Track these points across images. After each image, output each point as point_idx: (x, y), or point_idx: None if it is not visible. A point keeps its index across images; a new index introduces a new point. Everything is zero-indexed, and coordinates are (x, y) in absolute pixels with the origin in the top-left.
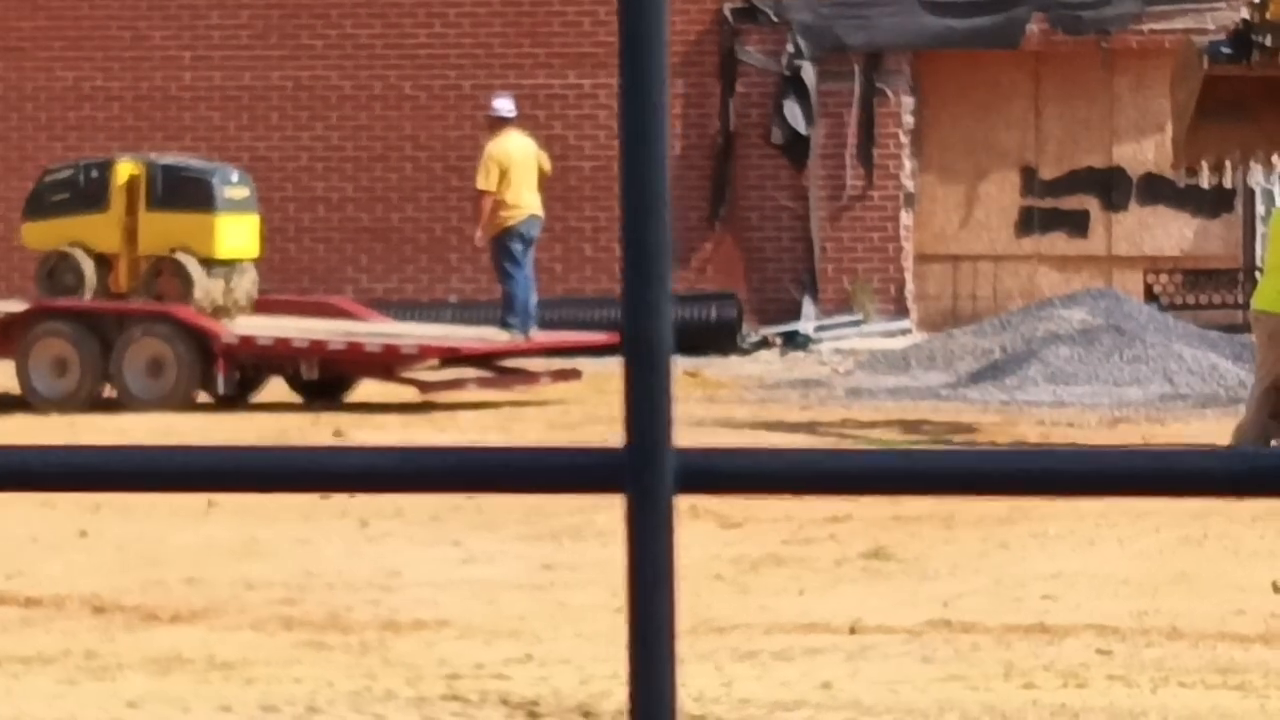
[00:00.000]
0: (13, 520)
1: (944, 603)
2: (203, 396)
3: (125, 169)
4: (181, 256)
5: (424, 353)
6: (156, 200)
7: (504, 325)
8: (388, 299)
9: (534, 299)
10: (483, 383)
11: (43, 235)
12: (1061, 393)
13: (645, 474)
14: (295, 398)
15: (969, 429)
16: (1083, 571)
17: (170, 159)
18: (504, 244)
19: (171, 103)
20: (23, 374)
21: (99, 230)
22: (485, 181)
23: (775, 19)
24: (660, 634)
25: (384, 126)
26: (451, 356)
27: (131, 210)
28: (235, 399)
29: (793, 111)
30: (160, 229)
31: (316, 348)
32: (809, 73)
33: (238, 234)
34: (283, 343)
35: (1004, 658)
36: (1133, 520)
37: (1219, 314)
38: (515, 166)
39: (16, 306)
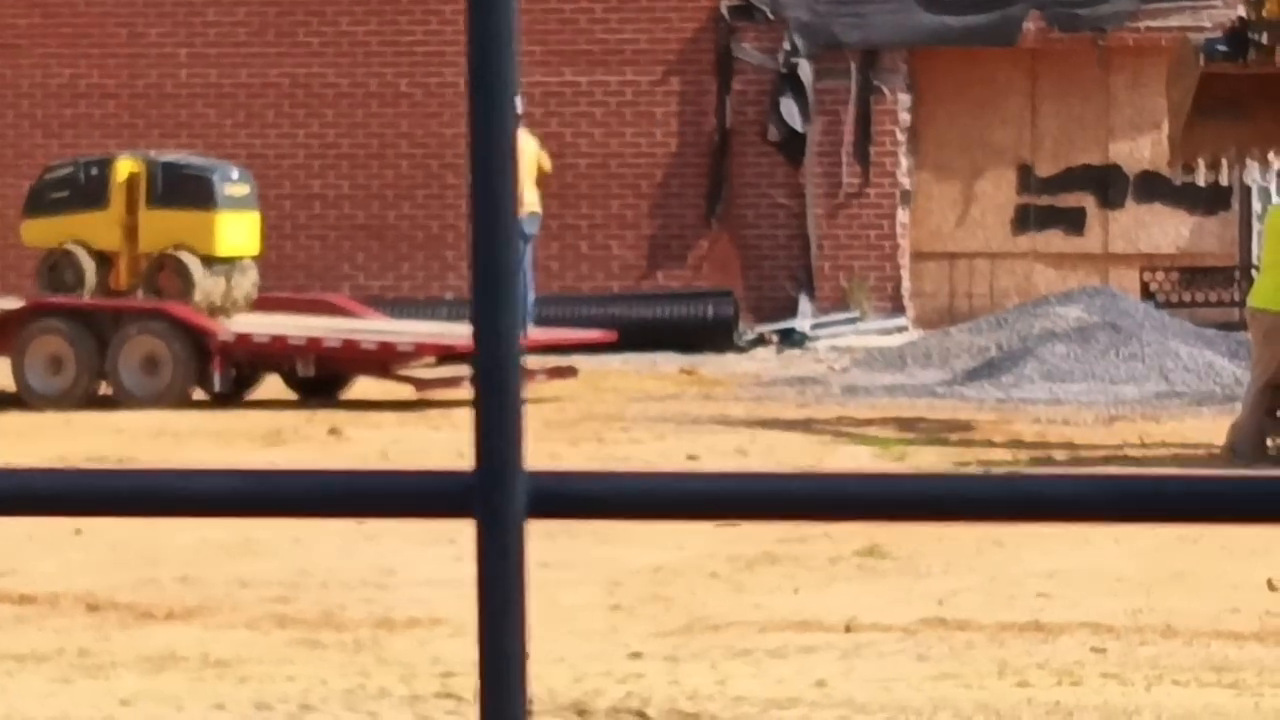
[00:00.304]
0: (7, 517)
1: (939, 600)
2: (199, 394)
3: (125, 166)
4: (182, 254)
5: (420, 350)
6: (157, 198)
7: None
8: (384, 296)
9: (532, 296)
10: None
11: (43, 233)
12: (1058, 390)
13: (494, 498)
14: (291, 395)
15: (965, 426)
16: (1078, 569)
17: (170, 156)
18: None
19: (167, 100)
20: (18, 371)
21: (99, 228)
22: None
23: (772, 16)
24: (511, 660)
25: (380, 124)
26: (447, 354)
27: (132, 208)
28: (231, 396)
29: (789, 109)
30: (160, 226)
31: (312, 345)
32: (805, 70)
33: (238, 231)
34: (279, 340)
35: (998, 656)
36: None
37: (1215, 312)
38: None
39: (12, 304)
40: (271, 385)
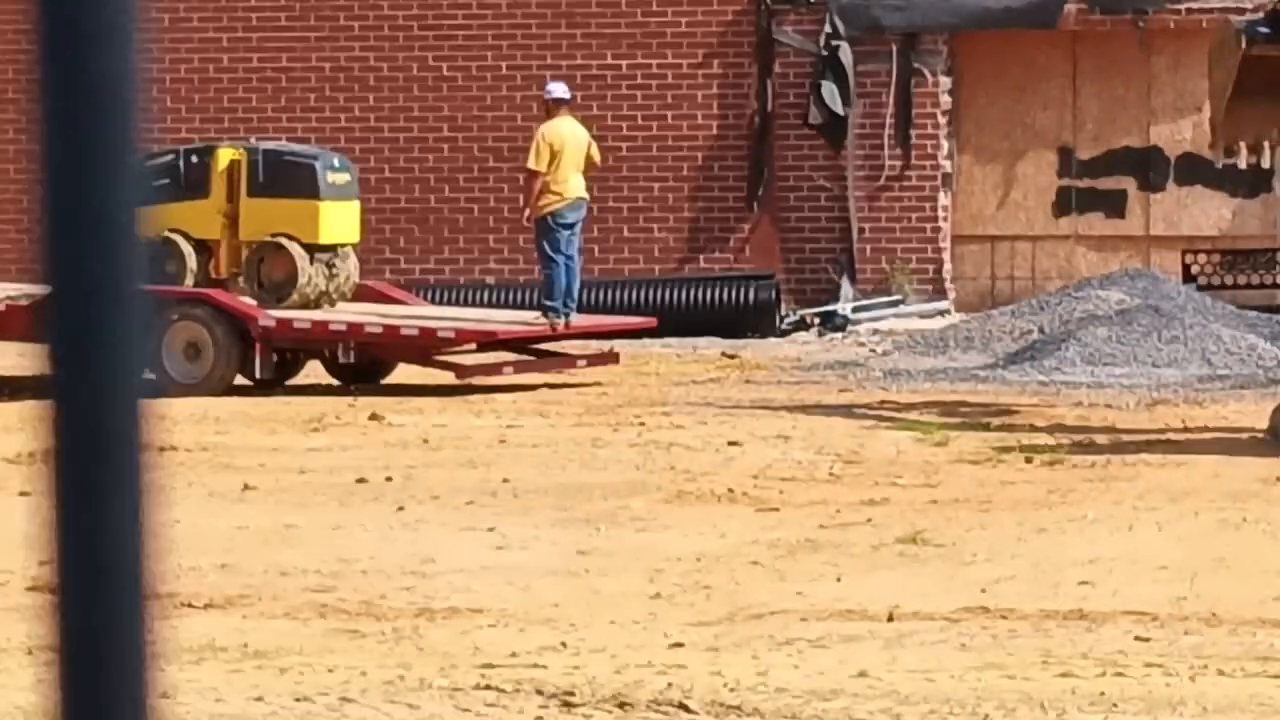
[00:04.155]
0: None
1: (982, 589)
2: (241, 380)
3: (226, 155)
4: (284, 242)
5: (461, 337)
6: (258, 186)
7: (543, 310)
8: (425, 281)
9: (577, 283)
10: (520, 366)
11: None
12: (1099, 374)
13: None
14: (333, 381)
15: (1007, 410)
16: (1121, 556)
17: (271, 144)
18: (547, 227)
19: (209, 85)
20: None
21: (200, 217)
22: (536, 162)
23: (812, 0)
24: None
25: (421, 108)
26: (489, 340)
27: (232, 196)
28: (273, 382)
29: (830, 92)
30: (262, 215)
31: (354, 331)
32: (846, 53)
33: (340, 220)
34: (320, 326)
35: (1042, 645)
36: (1171, 504)
37: (1257, 294)
38: (566, 150)
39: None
40: (313, 371)
